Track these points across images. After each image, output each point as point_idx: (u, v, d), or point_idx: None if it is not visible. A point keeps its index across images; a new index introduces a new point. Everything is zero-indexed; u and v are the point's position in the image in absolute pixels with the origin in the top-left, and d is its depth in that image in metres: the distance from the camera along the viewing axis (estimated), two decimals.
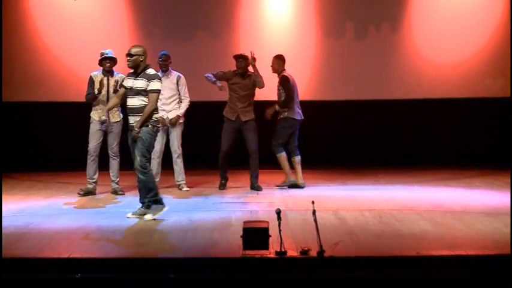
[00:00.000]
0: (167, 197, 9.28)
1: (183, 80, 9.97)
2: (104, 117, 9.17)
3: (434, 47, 11.99)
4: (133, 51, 7.86)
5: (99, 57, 9.35)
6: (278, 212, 6.20)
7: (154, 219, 7.65)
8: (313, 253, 5.97)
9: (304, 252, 6.02)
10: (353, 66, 12.10)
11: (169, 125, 9.79)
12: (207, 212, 8.15)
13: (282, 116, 9.79)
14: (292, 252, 6.05)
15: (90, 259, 6.16)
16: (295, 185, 9.76)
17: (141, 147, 7.77)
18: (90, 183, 9.39)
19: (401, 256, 6.11)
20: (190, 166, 11.36)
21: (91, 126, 9.37)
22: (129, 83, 7.89)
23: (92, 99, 9.30)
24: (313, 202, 6.33)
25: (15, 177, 10.84)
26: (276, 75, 9.85)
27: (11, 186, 10.08)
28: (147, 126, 7.81)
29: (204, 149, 11.83)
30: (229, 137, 9.64)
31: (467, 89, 11.97)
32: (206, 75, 9.77)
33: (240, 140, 9.87)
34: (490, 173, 10.50)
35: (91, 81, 9.33)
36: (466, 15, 11.96)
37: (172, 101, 9.88)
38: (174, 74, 9.94)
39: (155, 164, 9.84)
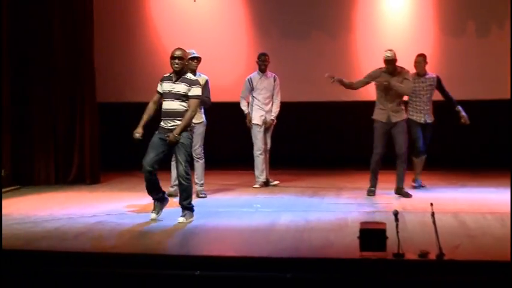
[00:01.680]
0: (284, 197, 9.35)
1: (278, 81, 10.12)
2: None
3: None
4: (183, 54, 7.71)
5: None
6: (395, 214, 6.10)
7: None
8: (432, 256, 5.84)
9: (423, 255, 5.90)
10: (473, 65, 11.75)
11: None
12: (323, 213, 8.12)
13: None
14: (410, 255, 5.93)
15: (208, 257, 6.27)
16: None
17: (184, 153, 7.62)
18: (172, 186, 9.24)
19: None
20: (297, 166, 11.42)
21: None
22: (167, 86, 7.70)
23: None
24: (431, 204, 6.19)
25: (139, 176, 11.12)
26: None
27: (134, 184, 10.37)
28: (187, 131, 7.67)
29: (317, 149, 11.88)
30: (382, 138, 9.16)
31: None
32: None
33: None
34: None
35: None
36: None
37: (270, 102, 10.10)
38: (271, 75, 10.13)
39: (260, 161, 9.98)
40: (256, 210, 8.41)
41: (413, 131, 9.57)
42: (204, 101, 9.03)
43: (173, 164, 9.10)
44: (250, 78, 10.13)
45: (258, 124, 10.08)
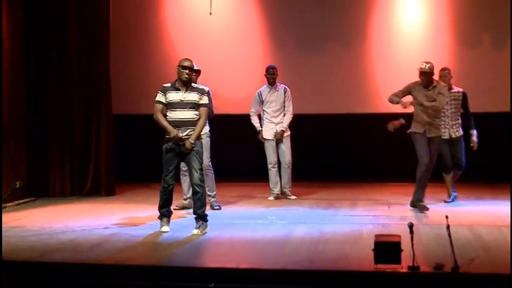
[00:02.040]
0: (298, 209, 9.34)
1: (289, 92, 10.11)
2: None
3: None
4: (192, 65, 7.85)
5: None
6: (410, 226, 6.08)
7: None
8: (447, 269, 5.81)
9: (438, 267, 5.87)
10: (488, 77, 11.70)
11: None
12: (337, 225, 8.09)
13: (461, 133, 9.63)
14: (425, 268, 5.91)
15: (222, 269, 6.26)
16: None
17: (199, 160, 7.75)
18: (185, 199, 9.28)
19: None
20: (311, 178, 11.37)
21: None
22: (176, 96, 7.74)
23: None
24: (447, 216, 6.19)
25: (154, 188, 11.16)
26: None
27: (149, 195, 10.42)
28: (199, 139, 7.81)
29: (331, 162, 11.86)
30: (425, 147, 8.77)
31: None
32: (389, 98, 9.06)
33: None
34: None
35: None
36: None
37: (280, 114, 10.07)
38: (281, 87, 10.12)
39: (273, 174, 10.05)
40: (271, 222, 8.39)
41: (440, 147, 9.20)
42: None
43: (182, 176, 9.17)
44: (260, 91, 10.16)
45: (268, 138, 10.11)
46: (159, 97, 7.80)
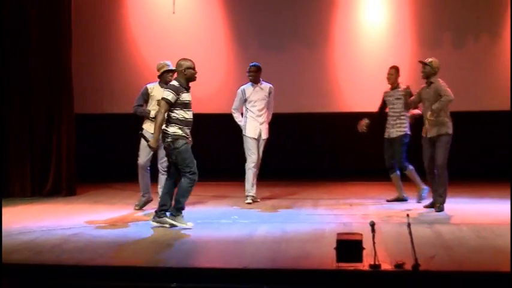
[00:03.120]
0: (261, 208, 9.35)
1: (273, 91, 9.91)
2: None
3: None
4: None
5: (161, 70, 9.03)
6: (372, 225, 6.11)
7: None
8: (408, 267, 5.85)
9: (399, 265, 5.91)
10: (450, 78, 11.77)
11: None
12: (300, 224, 8.12)
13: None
14: (386, 266, 5.95)
15: (185, 268, 6.23)
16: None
17: None
18: (143, 196, 9.23)
19: (499, 272, 5.91)
20: (273, 178, 11.40)
21: (142, 140, 8.66)
22: (188, 97, 7.86)
23: (142, 113, 8.98)
24: (408, 215, 6.23)
25: (116, 187, 11.13)
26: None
27: (111, 195, 10.36)
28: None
29: (292, 161, 11.87)
30: (424, 151, 8.85)
31: None
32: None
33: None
34: None
35: (145, 93, 9.06)
36: None
37: (264, 113, 9.82)
38: (266, 85, 9.86)
39: (250, 175, 9.79)
40: (234, 221, 8.39)
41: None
42: None
43: (160, 175, 9.15)
44: (244, 89, 9.79)
45: (252, 137, 9.76)
46: (172, 97, 7.74)
